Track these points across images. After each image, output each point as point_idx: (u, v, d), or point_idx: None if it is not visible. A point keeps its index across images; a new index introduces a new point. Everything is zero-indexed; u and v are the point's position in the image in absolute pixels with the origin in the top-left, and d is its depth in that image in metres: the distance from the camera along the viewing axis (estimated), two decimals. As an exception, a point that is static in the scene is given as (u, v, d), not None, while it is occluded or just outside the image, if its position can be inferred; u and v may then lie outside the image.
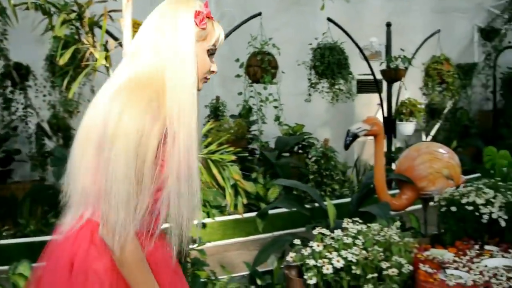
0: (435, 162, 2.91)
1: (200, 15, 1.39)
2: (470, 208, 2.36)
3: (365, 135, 2.89)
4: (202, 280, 2.19)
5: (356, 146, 7.81)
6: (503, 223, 2.31)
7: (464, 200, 2.39)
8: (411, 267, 1.95)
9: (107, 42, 2.91)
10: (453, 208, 2.41)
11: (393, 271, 1.87)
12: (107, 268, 1.33)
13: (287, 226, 4.78)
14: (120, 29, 2.69)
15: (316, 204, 3.08)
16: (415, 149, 3.10)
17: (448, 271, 1.93)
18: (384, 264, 1.92)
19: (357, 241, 2.05)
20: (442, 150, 3.09)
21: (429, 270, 1.91)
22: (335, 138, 6.68)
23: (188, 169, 1.36)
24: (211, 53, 1.45)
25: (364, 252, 1.98)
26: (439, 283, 1.81)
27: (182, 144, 1.34)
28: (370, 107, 7.93)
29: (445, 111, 8.70)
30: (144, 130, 1.28)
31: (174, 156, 1.33)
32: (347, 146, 2.91)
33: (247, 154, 5.55)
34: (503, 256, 2.18)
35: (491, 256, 2.18)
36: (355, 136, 2.87)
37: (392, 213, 3.88)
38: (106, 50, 2.97)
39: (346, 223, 2.20)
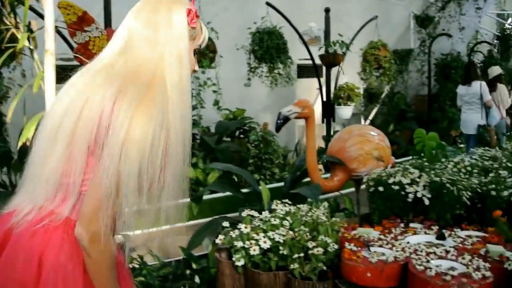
0: (365, 144, 2.98)
1: (191, 14, 1.36)
2: (396, 187, 2.43)
3: (296, 117, 2.91)
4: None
5: (297, 130, 7.91)
6: (426, 202, 2.39)
7: (391, 180, 2.46)
8: (336, 246, 1.98)
9: (30, 23, 2.78)
10: (381, 188, 2.48)
11: (318, 250, 1.90)
12: (81, 268, 1.28)
13: (228, 210, 4.78)
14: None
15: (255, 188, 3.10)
16: (346, 131, 3.16)
17: (372, 249, 1.98)
18: (310, 244, 1.94)
19: (284, 222, 2.07)
20: (373, 132, 3.16)
21: (354, 248, 1.96)
22: (275, 122, 6.72)
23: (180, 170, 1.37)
24: (195, 53, 1.44)
25: (291, 232, 2.00)
26: (362, 260, 1.86)
27: (179, 149, 1.34)
28: (310, 91, 8.03)
29: (383, 95, 8.94)
30: (155, 139, 1.24)
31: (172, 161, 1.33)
32: (278, 129, 2.93)
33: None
34: (425, 233, 2.26)
35: (415, 233, 2.25)
36: (286, 119, 2.89)
37: (332, 195, 3.97)
38: (30, 31, 2.84)
39: (275, 204, 2.21)
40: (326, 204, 2.23)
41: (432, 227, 2.35)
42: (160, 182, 1.32)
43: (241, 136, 6.88)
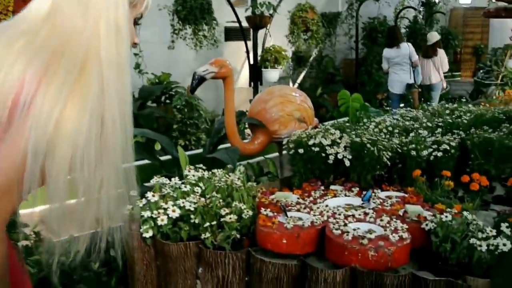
0: (287, 105, 2.86)
1: None
2: (317, 149, 2.33)
3: (213, 77, 2.74)
4: (20, 244, 1.93)
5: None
6: (347, 163, 2.31)
7: (311, 142, 2.35)
8: (251, 212, 1.86)
9: None
10: (301, 150, 2.37)
11: (231, 218, 1.76)
12: None
13: (149, 179, 4.57)
14: None
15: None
16: (267, 92, 3.02)
17: (290, 214, 1.87)
18: (223, 211, 1.81)
19: (196, 189, 1.92)
20: (295, 93, 3.05)
21: (270, 214, 1.84)
22: (203, 86, 6.50)
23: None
24: (135, 23, 1.18)
25: (202, 199, 1.85)
26: (277, 226, 1.75)
27: (118, 137, 1.09)
28: (238, 54, 7.83)
29: (311, 59, 8.90)
30: (89, 131, 1.03)
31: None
32: (193, 90, 2.75)
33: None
34: (345, 195, 2.18)
35: (335, 196, 2.17)
36: (202, 79, 2.71)
37: (257, 158, 3.86)
38: None
39: (188, 170, 2.06)
40: (242, 168, 2.10)
41: (353, 188, 2.28)
42: (97, 179, 1.09)
43: (167, 101, 6.62)
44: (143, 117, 5.58)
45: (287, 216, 1.84)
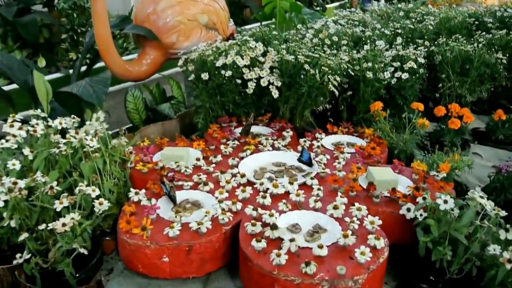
0: (187, 7, 1.97)
1: None
2: (229, 73, 1.52)
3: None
4: None
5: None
6: (275, 93, 1.52)
7: (220, 62, 1.53)
8: (115, 195, 1.07)
9: None
10: (205, 75, 1.55)
11: (73, 218, 0.96)
12: None
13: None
14: None
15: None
16: (160, -14, 2.09)
17: (181, 196, 1.10)
18: (59, 204, 1.00)
19: (12, 163, 1.09)
20: (201, -13, 2.13)
21: (145, 202, 1.06)
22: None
23: None
24: None
25: (21, 184, 1.03)
26: (152, 234, 0.97)
27: None
28: None
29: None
30: None
31: None
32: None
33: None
34: (272, 145, 1.42)
35: (257, 149, 1.40)
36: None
37: (154, 77, 2.94)
38: None
39: (10, 122, 1.20)
40: (101, 114, 1.26)
41: (285, 133, 1.52)
42: None
43: (55, 5, 5.40)
44: (22, 26, 4.43)
45: (174, 203, 1.06)
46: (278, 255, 0.86)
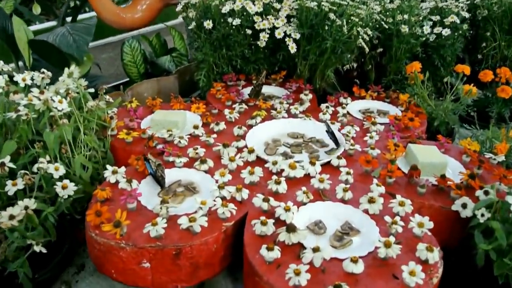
0: None
1: None
2: (238, 22, 1.25)
3: None
4: None
5: None
6: (293, 48, 1.26)
7: (226, 9, 1.26)
8: (89, 172, 0.83)
9: None
10: (208, 24, 1.29)
11: (27, 207, 0.73)
12: None
13: None
14: None
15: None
16: None
17: (170, 176, 0.87)
18: (10, 185, 0.76)
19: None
20: None
21: (124, 186, 0.82)
22: None
23: None
24: None
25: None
26: (129, 232, 0.73)
27: None
28: None
29: None
30: None
31: None
32: None
33: None
34: (287, 111, 1.17)
35: (269, 115, 1.16)
36: None
37: (152, 27, 2.60)
38: None
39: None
40: (75, 69, 1.00)
41: (303, 95, 1.27)
42: None
43: None
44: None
45: (162, 187, 0.82)
46: (297, 273, 0.62)
